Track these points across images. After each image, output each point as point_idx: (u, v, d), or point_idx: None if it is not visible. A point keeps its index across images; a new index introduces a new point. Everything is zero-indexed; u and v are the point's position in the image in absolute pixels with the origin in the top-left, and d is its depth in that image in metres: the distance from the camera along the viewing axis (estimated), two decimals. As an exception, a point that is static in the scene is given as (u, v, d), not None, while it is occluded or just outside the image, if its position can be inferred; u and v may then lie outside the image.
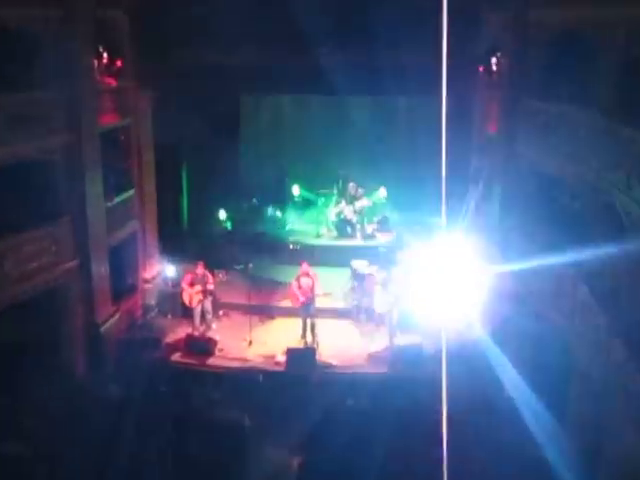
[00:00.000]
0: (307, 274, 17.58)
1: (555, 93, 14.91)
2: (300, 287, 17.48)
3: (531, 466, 12.56)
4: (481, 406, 14.41)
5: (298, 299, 17.54)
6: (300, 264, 17.99)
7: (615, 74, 12.95)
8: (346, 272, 20.07)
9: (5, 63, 13.95)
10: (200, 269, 18.07)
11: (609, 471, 12.02)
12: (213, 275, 18.52)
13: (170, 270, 20.39)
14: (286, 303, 18.93)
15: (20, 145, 14.41)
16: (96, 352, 16.71)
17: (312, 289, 17.46)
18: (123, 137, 19.19)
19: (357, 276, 19.53)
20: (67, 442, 12.77)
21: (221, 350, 17.50)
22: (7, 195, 13.67)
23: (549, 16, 15.35)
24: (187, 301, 18.07)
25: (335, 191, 23.62)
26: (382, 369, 16.80)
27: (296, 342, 17.76)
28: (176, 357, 17.38)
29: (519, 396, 13.68)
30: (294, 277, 17.83)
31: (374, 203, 23.16)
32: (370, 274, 19.17)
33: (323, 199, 23.87)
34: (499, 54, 18.14)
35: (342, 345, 17.96)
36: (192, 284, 17.98)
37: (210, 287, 18.11)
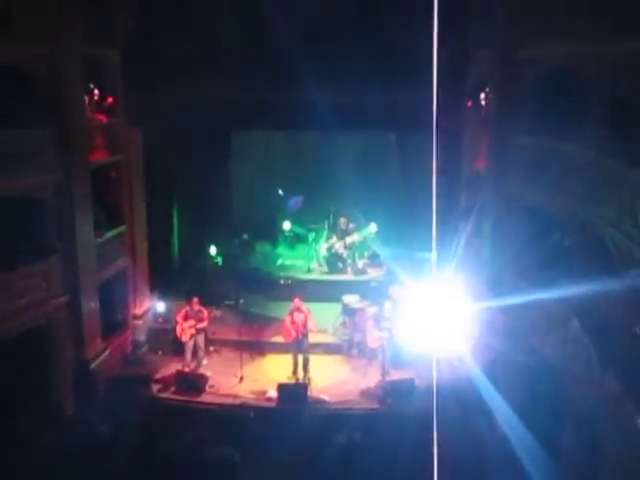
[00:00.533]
0: (300, 309, 17.52)
1: (544, 129, 15.00)
2: (293, 322, 17.42)
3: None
4: (473, 441, 14.32)
5: (291, 334, 17.47)
6: (292, 299, 17.92)
7: (603, 109, 13.08)
8: (337, 307, 20.05)
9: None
10: (196, 304, 18.03)
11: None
12: (208, 311, 18.44)
13: (160, 306, 20.35)
14: (277, 339, 18.83)
15: (10, 181, 14.40)
16: (86, 390, 16.54)
17: (305, 324, 17.40)
18: (114, 173, 19.18)
19: (348, 311, 19.51)
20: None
21: (212, 386, 17.36)
22: (-3, 230, 13.65)
23: (536, 53, 15.51)
24: (179, 335, 18.00)
25: (326, 226, 23.66)
26: (374, 404, 16.72)
27: (287, 378, 17.65)
28: (167, 394, 17.23)
29: (512, 431, 13.61)
30: (286, 312, 17.78)
31: (365, 238, 23.16)
32: (361, 309, 19.13)
33: (314, 234, 23.85)
34: (487, 89, 18.32)
35: (334, 380, 17.87)
36: (186, 318, 17.93)
37: (203, 324, 18.09)
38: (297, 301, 17.68)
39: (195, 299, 18.14)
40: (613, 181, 12.36)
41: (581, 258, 13.46)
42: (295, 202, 24.35)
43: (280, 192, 24.51)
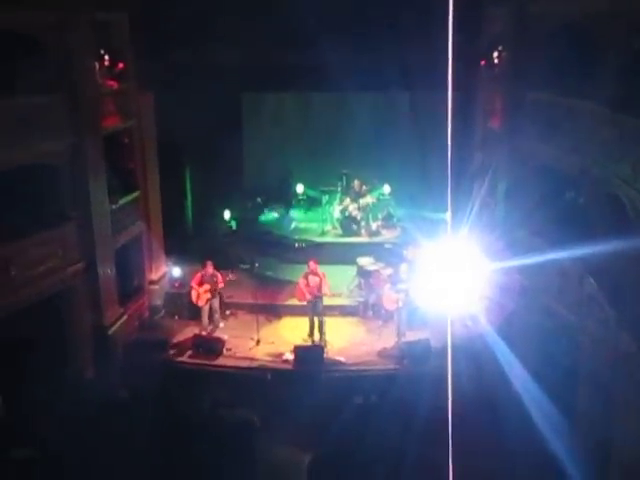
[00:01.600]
0: (315, 272, 17.57)
1: (558, 86, 14.86)
2: (308, 285, 17.47)
3: (539, 463, 12.55)
4: (488, 401, 14.39)
5: (305, 295, 17.54)
6: (308, 262, 17.95)
7: (618, 66, 12.92)
8: (352, 269, 20.09)
9: (7, 67, 13.96)
10: (209, 268, 18.10)
11: (619, 467, 11.99)
12: (222, 274, 18.52)
13: (176, 271, 20.47)
14: (293, 301, 18.89)
15: (23, 149, 14.41)
16: (104, 354, 16.72)
17: (319, 287, 17.45)
18: (126, 139, 19.18)
19: (363, 273, 19.55)
20: (76, 445, 12.77)
21: (229, 350, 17.48)
22: (12, 199, 13.70)
23: (550, 9, 15.31)
24: (195, 300, 18.10)
25: (339, 189, 23.59)
26: (390, 365, 16.81)
27: (303, 340, 17.77)
28: (184, 357, 17.38)
29: (526, 391, 13.66)
30: (301, 275, 17.82)
31: (378, 200, 23.08)
32: (376, 271, 19.16)
33: (327, 197, 23.79)
34: (501, 48, 18.12)
35: (350, 342, 17.97)
36: (201, 283, 18.01)
37: (220, 286, 18.17)
38: (312, 264, 17.70)
39: (209, 263, 18.21)
40: (628, 138, 12.25)
41: (596, 216, 13.39)
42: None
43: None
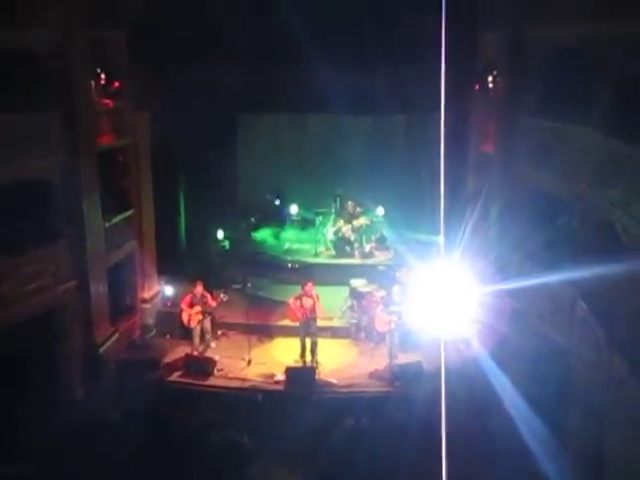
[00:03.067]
0: (310, 294, 17.52)
1: (552, 111, 14.96)
2: (302, 306, 17.41)
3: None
4: (480, 424, 14.36)
5: (296, 316, 17.49)
6: (303, 284, 17.79)
7: (611, 91, 13.02)
8: (345, 291, 20.06)
9: (3, 83, 13.99)
10: (199, 289, 18.05)
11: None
12: (212, 295, 18.47)
13: (168, 290, 20.42)
14: (285, 322, 18.84)
15: (18, 165, 14.44)
16: (94, 373, 16.63)
17: (313, 309, 17.43)
18: (121, 157, 19.18)
19: (356, 295, 19.53)
20: (67, 464, 12.69)
21: (220, 370, 17.41)
22: (5, 216, 13.67)
23: (544, 34, 15.44)
24: (186, 321, 18.05)
25: (333, 210, 23.62)
26: (382, 388, 16.75)
27: (295, 361, 17.70)
28: (175, 377, 17.31)
29: (519, 414, 13.62)
30: (294, 295, 17.77)
31: (372, 222, 23.09)
32: (369, 293, 19.14)
33: (321, 218, 23.85)
34: (495, 72, 18.23)
35: (341, 364, 17.92)
36: (191, 305, 17.97)
37: (211, 306, 18.11)
38: (309, 286, 17.57)
39: (199, 283, 18.17)
40: (621, 163, 12.33)
41: (588, 241, 13.44)
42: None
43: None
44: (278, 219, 24.92)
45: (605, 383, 12.06)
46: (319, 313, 17.52)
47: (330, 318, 19.13)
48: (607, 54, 13.15)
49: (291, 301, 17.64)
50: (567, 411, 13.54)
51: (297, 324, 17.72)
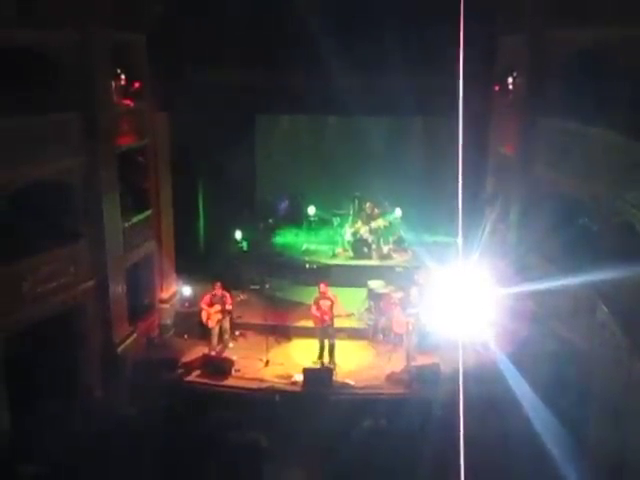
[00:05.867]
0: (326, 296, 17.55)
1: (572, 112, 14.87)
2: (319, 309, 17.43)
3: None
4: (499, 427, 14.29)
5: (320, 320, 17.50)
6: (318, 285, 17.92)
7: (632, 92, 12.93)
8: (362, 292, 20.06)
9: (24, 85, 14.10)
10: (218, 289, 18.10)
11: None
12: (231, 295, 18.50)
13: (187, 290, 20.47)
14: (303, 323, 18.92)
15: (38, 166, 14.51)
16: (113, 373, 16.69)
17: (331, 310, 17.44)
18: (141, 157, 19.28)
19: (374, 296, 19.51)
20: (83, 462, 12.74)
21: (238, 370, 17.45)
22: (26, 216, 13.78)
23: (565, 36, 15.37)
24: (206, 321, 18.09)
25: (351, 211, 23.63)
26: (399, 389, 16.73)
27: (313, 362, 17.71)
28: (193, 377, 17.36)
29: (538, 417, 13.56)
30: (311, 297, 17.80)
31: (390, 223, 23.09)
32: (387, 294, 19.12)
33: (339, 219, 23.88)
34: (515, 74, 18.16)
35: (359, 365, 17.91)
36: (211, 304, 18.01)
37: (229, 307, 18.13)
38: (323, 287, 17.67)
39: (218, 284, 18.20)
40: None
41: (608, 243, 13.35)
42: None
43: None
44: (296, 220, 24.95)
45: (625, 387, 11.96)
46: (339, 312, 17.49)
47: (350, 315, 19.15)
48: (626, 55, 13.06)
49: (312, 307, 17.65)
50: (587, 415, 13.43)
51: (316, 326, 17.72)
